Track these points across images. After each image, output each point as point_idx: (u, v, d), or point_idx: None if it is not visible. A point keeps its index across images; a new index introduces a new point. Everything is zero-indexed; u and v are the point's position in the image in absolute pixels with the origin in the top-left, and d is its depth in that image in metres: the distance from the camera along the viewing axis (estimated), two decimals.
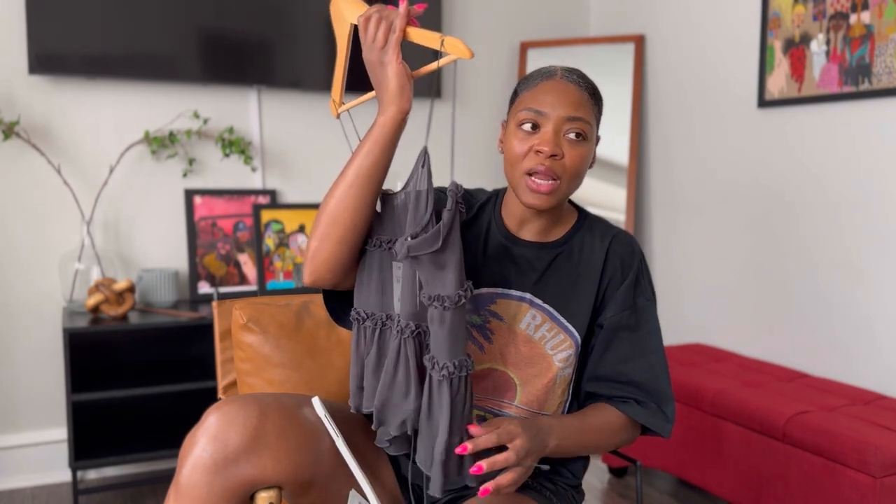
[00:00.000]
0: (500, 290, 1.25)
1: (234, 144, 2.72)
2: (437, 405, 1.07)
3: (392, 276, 1.13)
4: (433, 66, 1.10)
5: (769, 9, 2.55)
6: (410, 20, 1.09)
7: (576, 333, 1.25)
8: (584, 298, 1.25)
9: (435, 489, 1.09)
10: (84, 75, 2.54)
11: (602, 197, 3.08)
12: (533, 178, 1.17)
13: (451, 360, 1.06)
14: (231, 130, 2.75)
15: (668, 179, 3.03)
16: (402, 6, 1.08)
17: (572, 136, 1.17)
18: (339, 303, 1.25)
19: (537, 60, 3.22)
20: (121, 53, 2.56)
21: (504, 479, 1.08)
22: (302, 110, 2.93)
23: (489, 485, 1.07)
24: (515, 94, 1.24)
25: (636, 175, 3.08)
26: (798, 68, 2.46)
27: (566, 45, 3.20)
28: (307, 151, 2.95)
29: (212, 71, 2.69)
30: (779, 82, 2.52)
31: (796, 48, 2.46)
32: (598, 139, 1.25)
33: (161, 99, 2.72)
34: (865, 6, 2.24)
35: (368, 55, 1.10)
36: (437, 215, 1.05)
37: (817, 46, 2.39)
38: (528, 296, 1.24)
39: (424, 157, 1.06)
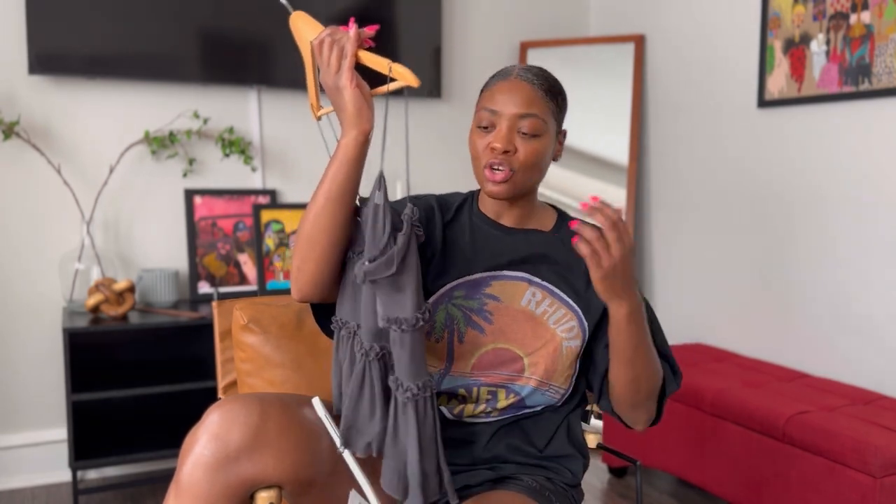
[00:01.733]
0: (494, 273, 1.28)
1: (234, 144, 2.72)
2: (402, 427, 1.09)
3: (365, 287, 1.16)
4: (383, 89, 1.13)
5: (769, 9, 2.55)
6: (363, 41, 1.14)
7: (576, 307, 1.28)
8: (577, 279, 1.30)
9: None
10: (84, 75, 2.54)
11: (602, 197, 3.08)
12: (489, 169, 1.25)
13: (414, 382, 1.08)
14: (231, 130, 2.75)
15: (667, 179, 3.03)
16: (352, 31, 1.13)
17: (525, 131, 1.24)
18: (326, 312, 1.29)
19: (537, 60, 3.22)
20: (121, 53, 2.56)
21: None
22: (302, 110, 2.93)
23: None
24: (480, 96, 1.32)
25: (636, 175, 3.08)
26: (798, 68, 2.46)
27: (566, 45, 3.20)
28: (307, 151, 2.95)
29: (212, 71, 2.69)
30: (779, 82, 2.53)
31: (796, 48, 2.46)
32: (563, 132, 1.32)
33: (161, 99, 2.72)
34: (865, 6, 2.25)
35: (325, 79, 1.15)
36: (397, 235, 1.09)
37: (817, 46, 2.40)
38: (524, 275, 1.29)
39: (380, 182, 1.09)
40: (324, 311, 1.29)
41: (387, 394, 1.13)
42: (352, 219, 1.18)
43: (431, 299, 1.27)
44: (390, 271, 1.05)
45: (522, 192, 1.28)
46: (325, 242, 1.15)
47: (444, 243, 1.30)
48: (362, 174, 1.15)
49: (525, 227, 1.33)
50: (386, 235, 1.07)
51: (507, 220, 1.32)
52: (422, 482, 1.09)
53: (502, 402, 1.26)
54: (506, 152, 1.22)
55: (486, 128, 1.25)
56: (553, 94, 1.27)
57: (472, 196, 1.37)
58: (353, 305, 1.18)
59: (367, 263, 1.06)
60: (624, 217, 3.01)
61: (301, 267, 1.18)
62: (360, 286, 1.16)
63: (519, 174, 1.24)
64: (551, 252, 1.31)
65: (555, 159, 1.32)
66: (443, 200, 1.36)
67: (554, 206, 1.40)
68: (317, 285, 1.19)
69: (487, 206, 1.33)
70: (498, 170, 1.23)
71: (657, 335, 1.31)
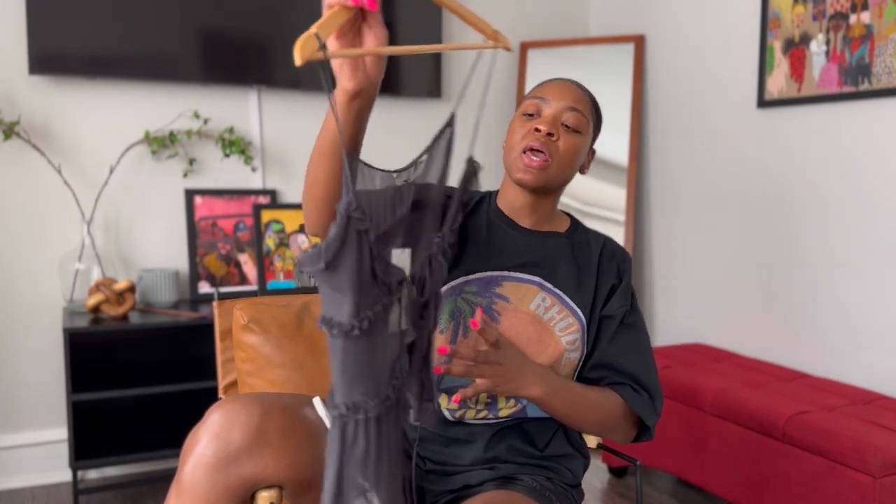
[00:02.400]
0: (505, 273, 1.28)
1: (234, 144, 2.72)
2: (328, 448, 0.92)
3: None
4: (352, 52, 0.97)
5: (769, 9, 2.55)
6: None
7: (582, 318, 1.29)
8: (587, 288, 1.31)
9: None
10: (84, 75, 2.54)
11: (602, 197, 3.08)
12: (527, 153, 1.25)
13: (343, 400, 0.90)
14: (231, 130, 2.75)
15: (667, 179, 3.03)
16: None
17: (569, 124, 1.26)
18: None
19: (537, 60, 3.22)
20: (121, 53, 2.56)
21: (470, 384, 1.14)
22: (302, 110, 2.93)
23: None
24: (526, 95, 1.33)
25: (636, 175, 3.08)
26: (798, 68, 2.46)
27: (566, 45, 3.20)
28: (307, 151, 2.95)
29: (212, 71, 2.69)
30: (778, 82, 2.53)
31: (796, 48, 2.46)
32: (593, 151, 1.35)
33: (161, 99, 2.72)
34: (865, 6, 2.25)
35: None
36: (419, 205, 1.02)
37: (817, 46, 2.40)
38: (536, 279, 1.28)
39: (345, 163, 0.95)
40: None
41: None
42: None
43: (442, 290, 1.26)
44: (318, 265, 0.89)
45: (550, 188, 1.29)
46: (317, 194, 1.11)
47: (461, 235, 1.30)
48: (359, 133, 1.05)
49: (542, 230, 1.33)
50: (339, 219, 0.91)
51: (525, 222, 1.33)
52: None
53: (504, 410, 1.26)
54: (549, 135, 1.24)
55: (531, 115, 1.27)
56: (595, 108, 1.32)
57: (491, 194, 1.38)
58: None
59: (308, 251, 0.92)
60: (624, 219, 3.01)
61: (306, 206, 1.14)
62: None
63: (554, 165, 1.25)
64: (566, 254, 1.32)
65: (581, 171, 1.34)
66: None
67: (568, 214, 1.41)
68: (320, 227, 1.15)
69: (506, 206, 1.34)
70: (537, 154, 1.24)
71: (641, 358, 1.31)
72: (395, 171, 1.09)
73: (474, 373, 1.13)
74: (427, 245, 1.01)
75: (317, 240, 1.19)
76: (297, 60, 0.83)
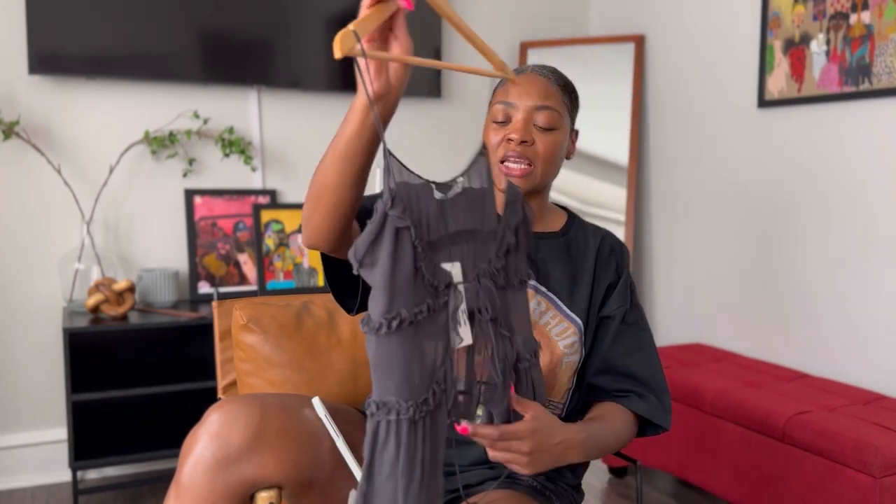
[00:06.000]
0: None
1: (234, 144, 2.72)
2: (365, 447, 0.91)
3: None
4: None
5: (769, 9, 2.55)
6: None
7: (579, 321, 1.27)
8: (583, 289, 1.29)
9: None
10: (84, 75, 2.53)
11: (602, 197, 3.08)
12: (506, 164, 1.23)
13: (375, 399, 0.89)
14: (231, 130, 2.75)
15: (667, 179, 3.03)
16: None
17: (541, 124, 1.23)
18: (342, 282, 1.21)
19: (537, 60, 3.22)
20: (121, 53, 2.56)
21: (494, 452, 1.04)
22: (302, 110, 2.93)
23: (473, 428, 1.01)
24: (493, 94, 1.30)
25: (636, 175, 3.08)
26: (798, 68, 2.46)
27: (566, 45, 3.20)
28: (307, 151, 2.95)
29: (212, 71, 2.69)
30: (779, 82, 2.53)
31: (796, 48, 2.46)
32: (575, 132, 1.32)
33: (161, 99, 2.72)
34: (865, 6, 2.25)
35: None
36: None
37: (817, 46, 2.40)
38: (531, 282, 1.27)
39: (386, 156, 0.93)
40: (340, 282, 1.20)
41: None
42: (363, 180, 1.05)
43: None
44: (354, 259, 0.88)
45: (538, 188, 1.27)
46: (332, 198, 1.04)
47: None
48: (374, 142, 1.00)
49: (536, 231, 1.31)
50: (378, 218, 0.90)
51: None
52: None
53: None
54: (523, 142, 1.21)
55: (501, 122, 1.24)
56: (567, 91, 1.27)
57: None
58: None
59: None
60: (624, 219, 3.01)
61: (310, 216, 1.08)
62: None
63: (538, 168, 1.23)
64: (562, 254, 1.30)
65: (568, 157, 1.31)
66: None
67: (565, 208, 1.39)
68: (324, 237, 1.09)
69: (499, 206, 1.31)
70: (516, 164, 1.22)
71: (643, 357, 1.29)
72: (433, 182, 1.01)
73: (505, 459, 1.04)
74: (475, 265, 0.98)
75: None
76: (337, 54, 0.84)
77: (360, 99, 0.96)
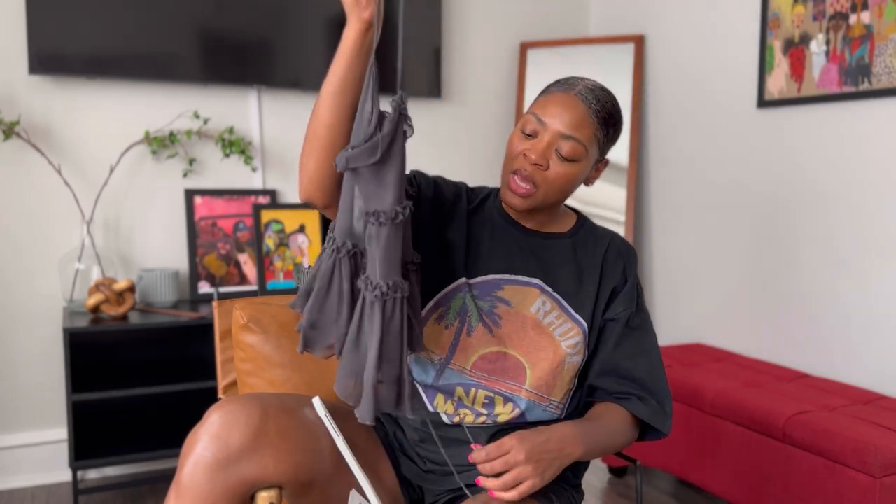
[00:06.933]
0: (507, 277, 1.28)
1: (234, 144, 2.72)
2: (367, 328, 1.05)
3: None
4: None
5: (769, 9, 2.55)
6: None
7: (583, 322, 1.28)
8: (588, 291, 1.30)
9: (365, 416, 1.07)
10: (84, 75, 2.54)
11: (602, 197, 3.08)
12: (515, 177, 1.23)
13: (385, 281, 1.03)
14: (231, 130, 2.75)
15: (667, 179, 3.03)
16: None
17: (563, 153, 1.22)
18: None
19: (537, 60, 3.22)
20: (121, 53, 2.56)
21: (514, 493, 1.08)
22: (302, 110, 2.93)
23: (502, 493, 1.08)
24: (537, 97, 1.29)
25: (636, 175, 3.08)
26: (798, 68, 2.46)
27: (566, 45, 3.20)
28: None
29: (212, 71, 2.69)
30: (778, 82, 2.53)
31: (796, 48, 2.46)
32: (604, 161, 1.30)
33: (161, 99, 2.72)
34: (865, 6, 2.25)
35: None
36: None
37: (817, 46, 2.40)
38: (537, 282, 1.28)
39: (370, 71, 1.03)
40: None
41: (354, 295, 1.08)
42: (354, 115, 1.10)
43: (447, 289, 1.26)
44: (373, 159, 0.98)
45: (540, 209, 1.28)
46: (324, 139, 1.09)
47: (467, 234, 1.29)
48: (363, 71, 1.08)
49: (545, 231, 1.32)
50: (374, 119, 1.01)
51: (529, 223, 1.32)
52: (375, 387, 1.05)
53: (503, 416, 1.26)
54: (537, 165, 1.21)
55: (528, 135, 1.23)
56: (607, 125, 1.25)
57: (495, 192, 1.36)
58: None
59: (349, 150, 1.00)
60: (624, 219, 3.01)
61: (304, 163, 1.12)
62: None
63: (541, 193, 1.23)
64: (569, 256, 1.31)
65: (587, 184, 1.31)
66: (471, 189, 1.36)
67: (575, 210, 1.39)
68: (319, 186, 1.12)
69: (509, 206, 1.32)
70: (522, 183, 1.21)
71: (646, 360, 1.30)
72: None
73: (513, 477, 1.08)
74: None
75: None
76: None
77: (353, 29, 1.05)
